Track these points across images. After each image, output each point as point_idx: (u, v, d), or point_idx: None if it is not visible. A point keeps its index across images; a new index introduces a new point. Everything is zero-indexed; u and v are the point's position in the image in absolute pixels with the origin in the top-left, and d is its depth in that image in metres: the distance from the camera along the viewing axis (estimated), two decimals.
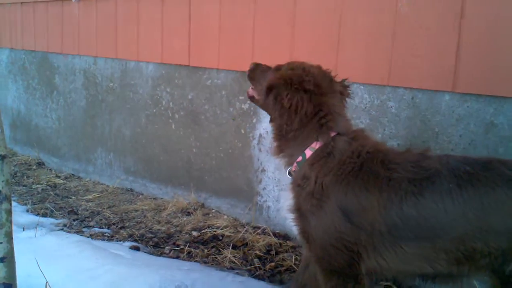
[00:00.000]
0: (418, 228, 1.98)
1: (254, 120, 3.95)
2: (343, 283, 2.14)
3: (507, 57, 2.67)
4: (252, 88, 2.63)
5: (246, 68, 3.85)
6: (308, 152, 2.22)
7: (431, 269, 2.03)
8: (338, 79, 2.40)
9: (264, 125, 3.88)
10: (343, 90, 2.38)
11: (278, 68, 2.42)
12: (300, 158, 2.25)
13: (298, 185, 2.23)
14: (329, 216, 2.09)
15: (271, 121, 2.43)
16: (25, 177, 5.48)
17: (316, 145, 2.21)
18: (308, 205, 2.15)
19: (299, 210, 2.22)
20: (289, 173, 2.32)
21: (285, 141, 2.29)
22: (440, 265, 2.01)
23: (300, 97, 2.19)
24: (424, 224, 1.97)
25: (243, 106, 4.03)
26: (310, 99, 2.20)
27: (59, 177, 5.55)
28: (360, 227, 2.04)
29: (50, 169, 5.87)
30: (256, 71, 2.57)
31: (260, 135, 3.92)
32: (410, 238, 1.99)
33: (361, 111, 3.27)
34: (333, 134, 2.21)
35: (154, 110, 4.75)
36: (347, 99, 2.42)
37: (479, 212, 1.92)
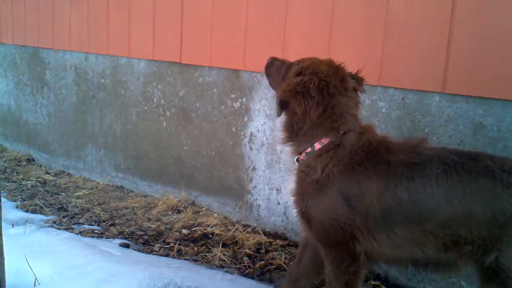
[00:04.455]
0: (409, 212, 2.09)
1: (246, 119, 3.96)
2: (341, 258, 2.28)
3: (497, 59, 2.69)
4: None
5: (238, 66, 3.90)
6: (317, 146, 2.31)
7: (421, 253, 2.13)
8: (351, 72, 2.42)
9: (255, 123, 3.89)
10: (356, 86, 2.41)
11: (291, 66, 2.45)
12: (309, 149, 2.34)
13: (303, 172, 2.34)
14: (329, 200, 2.22)
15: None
16: (14, 173, 5.45)
17: (325, 141, 2.30)
18: (312, 190, 2.27)
19: (301, 194, 2.34)
20: (297, 160, 2.40)
21: (295, 135, 2.39)
22: (429, 249, 2.11)
23: (309, 103, 2.25)
24: (414, 207, 2.08)
25: (234, 104, 4.03)
26: (319, 103, 2.25)
27: (49, 173, 5.53)
28: (357, 210, 2.16)
29: (40, 165, 5.84)
30: (271, 68, 2.59)
31: (252, 134, 3.93)
32: (402, 221, 2.11)
33: None
34: (342, 132, 2.28)
35: (145, 107, 4.74)
36: (360, 94, 2.46)
37: (462, 199, 2.01)
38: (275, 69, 2.56)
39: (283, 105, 2.34)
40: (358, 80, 2.43)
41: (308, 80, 2.25)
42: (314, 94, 2.24)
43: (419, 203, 2.07)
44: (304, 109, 2.25)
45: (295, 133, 2.38)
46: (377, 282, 3.12)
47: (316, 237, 2.36)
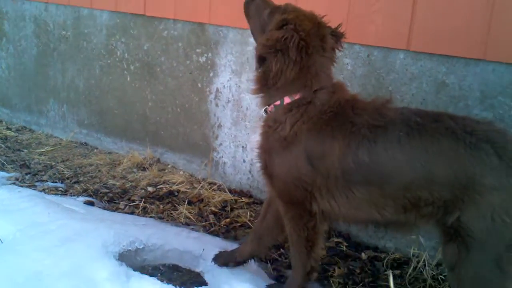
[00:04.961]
0: (368, 174, 2.11)
1: (211, 74, 3.89)
2: (300, 216, 2.31)
3: (460, 17, 2.69)
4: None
5: (204, 19, 3.80)
6: (287, 100, 2.29)
7: (379, 215, 2.16)
8: (331, 28, 2.38)
9: (221, 79, 3.83)
10: (335, 44, 2.38)
11: (274, 11, 2.38)
12: (278, 102, 2.32)
13: (269, 126, 2.33)
14: (293, 158, 2.22)
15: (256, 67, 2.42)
16: None
17: (296, 96, 2.28)
18: (278, 146, 2.27)
19: (266, 149, 2.34)
20: (265, 111, 2.39)
21: (267, 87, 2.35)
22: (388, 212, 2.14)
23: (287, 63, 2.21)
24: (375, 169, 2.10)
25: (200, 59, 3.95)
26: (296, 63, 2.22)
27: (10, 129, 5.37)
28: (318, 170, 2.18)
29: (1, 121, 5.66)
30: (251, 6, 2.49)
31: (217, 90, 3.87)
32: (361, 183, 2.13)
33: None
34: (314, 89, 2.26)
35: (109, 61, 4.61)
36: (338, 52, 2.43)
37: (424, 161, 2.02)
38: (256, 9, 2.47)
39: (261, 60, 2.29)
40: (338, 36, 2.39)
41: (289, 37, 2.20)
42: (293, 54, 2.20)
43: (379, 166, 2.09)
44: (280, 68, 2.22)
45: (267, 86, 2.34)
46: (339, 239, 3.19)
47: (276, 193, 2.38)
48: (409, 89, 2.92)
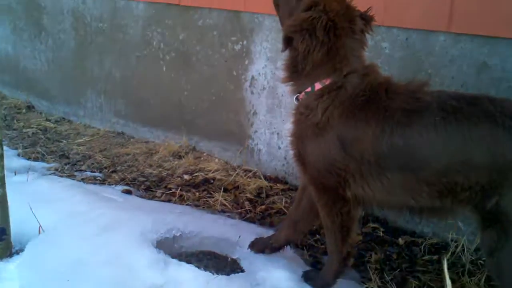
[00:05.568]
0: (403, 159, 2.07)
1: (247, 62, 3.88)
2: (333, 202, 2.30)
3: None
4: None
5: (239, 6, 3.78)
6: (318, 86, 2.26)
7: (413, 201, 2.12)
8: (360, 11, 2.33)
9: (256, 66, 3.81)
10: (364, 27, 2.33)
11: None
12: (309, 89, 2.29)
13: (301, 113, 2.31)
14: (326, 144, 2.19)
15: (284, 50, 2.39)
16: (15, 120, 5.41)
17: (327, 81, 2.25)
18: (311, 133, 2.25)
19: (298, 136, 2.32)
20: (296, 98, 2.37)
21: (296, 74, 2.33)
22: (422, 198, 2.10)
23: (313, 43, 2.18)
24: (409, 154, 2.06)
25: (235, 47, 3.94)
26: (323, 43, 2.18)
27: (49, 120, 5.48)
28: (351, 156, 2.15)
29: (40, 113, 5.78)
30: None
31: (253, 77, 3.86)
32: (396, 168, 2.09)
33: None
34: (345, 73, 2.22)
35: (145, 52, 4.65)
36: (368, 35, 2.38)
37: (461, 145, 1.97)
38: None
39: (288, 41, 2.27)
40: (367, 19, 2.34)
41: (317, 17, 2.17)
42: (320, 34, 2.16)
43: (414, 151, 2.04)
44: (307, 48, 2.19)
45: (297, 72, 2.31)
46: (376, 225, 3.15)
47: (309, 180, 2.36)
48: (449, 72, 2.84)
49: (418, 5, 2.90)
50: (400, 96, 2.13)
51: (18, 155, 4.37)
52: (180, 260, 2.64)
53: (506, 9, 2.59)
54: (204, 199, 3.51)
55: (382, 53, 3.10)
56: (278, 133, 3.77)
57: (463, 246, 2.82)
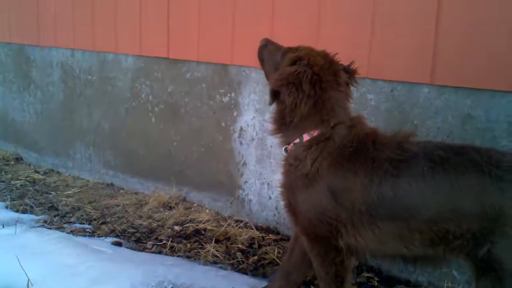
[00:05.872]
0: (394, 208, 2.10)
1: (235, 113, 3.95)
2: (325, 252, 2.30)
3: (484, 50, 2.70)
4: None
5: (226, 60, 3.88)
6: (306, 137, 2.31)
7: (406, 250, 2.14)
8: (344, 65, 2.42)
9: (245, 118, 3.88)
10: (348, 80, 2.42)
11: (286, 52, 2.44)
12: (297, 140, 2.34)
13: (290, 164, 2.34)
14: (316, 195, 2.23)
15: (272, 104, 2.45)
16: (3, 172, 5.38)
17: (314, 133, 2.30)
18: (301, 183, 2.28)
19: (288, 187, 2.35)
20: (285, 150, 2.41)
21: (285, 126, 2.38)
22: (415, 246, 2.12)
23: (300, 96, 2.25)
24: (399, 204, 2.09)
25: (223, 99, 4.01)
26: (310, 96, 2.25)
27: (38, 172, 5.47)
28: (342, 205, 2.17)
29: (29, 164, 5.78)
30: (264, 51, 2.57)
31: (241, 128, 3.92)
32: (386, 217, 2.12)
33: None
34: (332, 124, 2.28)
35: (134, 104, 4.71)
36: (352, 88, 2.46)
37: (449, 194, 2.01)
38: (269, 53, 2.54)
39: (274, 95, 2.33)
40: (351, 73, 2.44)
41: (302, 71, 2.25)
42: (306, 87, 2.24)
43: (404, 200, 2.08)
44: (294, 101, 2.25)
45: (285, 124, 2.37)
46: (370, 274, 3.13)
47: (301, 230, 2.37)
48: (434, 123, 2.92)
49: (401, 58, 3.00)
50: (387, 147, 2.18)
51: (6, 207, 4.32)
52: None
53: (487, 61, 2.70)
54: (196, 250, 3.49)
55: (368, 104, 3.19)
56: (268, 183, 3.80)
57: None
